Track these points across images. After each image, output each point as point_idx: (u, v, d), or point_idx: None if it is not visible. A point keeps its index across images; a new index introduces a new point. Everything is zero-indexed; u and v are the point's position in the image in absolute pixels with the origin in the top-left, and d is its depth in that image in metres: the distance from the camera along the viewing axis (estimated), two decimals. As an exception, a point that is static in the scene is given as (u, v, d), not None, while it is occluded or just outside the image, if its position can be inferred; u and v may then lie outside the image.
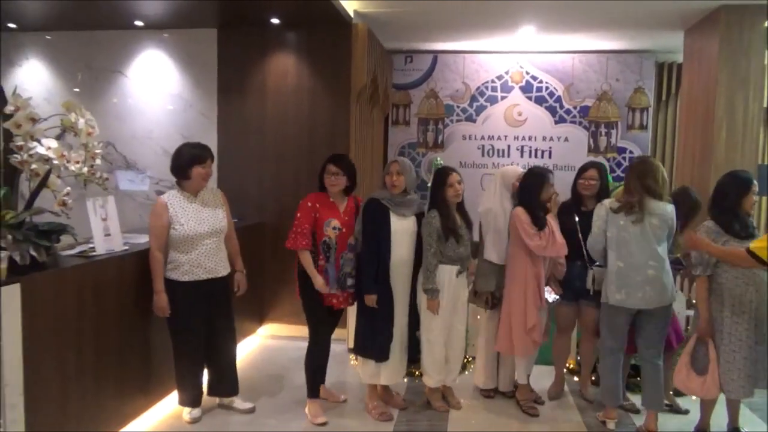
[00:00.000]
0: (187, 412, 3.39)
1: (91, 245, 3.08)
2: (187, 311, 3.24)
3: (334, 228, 3.38)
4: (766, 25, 4.40)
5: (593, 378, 3.96)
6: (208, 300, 3.31)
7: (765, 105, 4.62)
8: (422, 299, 3.41)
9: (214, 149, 4.87)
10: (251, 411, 3.54)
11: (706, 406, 3.28)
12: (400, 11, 4.83)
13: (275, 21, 4.79)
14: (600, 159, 6.10)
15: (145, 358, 3.30)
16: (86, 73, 5.30)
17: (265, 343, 4.89)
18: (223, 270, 3.37)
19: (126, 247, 3.18)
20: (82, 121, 2.81)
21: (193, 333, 3.30)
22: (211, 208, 3.34)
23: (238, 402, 3.57)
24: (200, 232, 3.23)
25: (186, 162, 3.28)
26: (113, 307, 3.00)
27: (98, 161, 2.91)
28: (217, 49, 5.06)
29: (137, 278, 3.17)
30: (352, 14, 4.74)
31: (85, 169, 2.79)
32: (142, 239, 3.48)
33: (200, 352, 3.37)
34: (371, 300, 3.32)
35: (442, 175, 3.44)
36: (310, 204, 3.37)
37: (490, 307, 3.68)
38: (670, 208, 3.23)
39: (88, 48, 5.31)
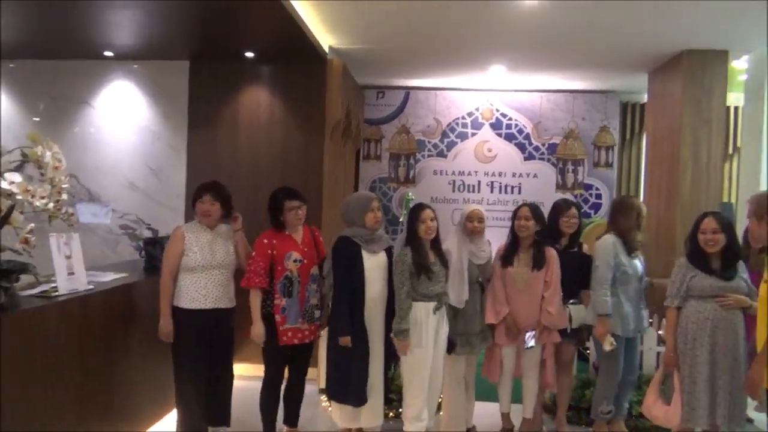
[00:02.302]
0: None
1: (53, 285, 2.91)
2: (192, 339, 3.21)
3: (295, 261, 3.34)
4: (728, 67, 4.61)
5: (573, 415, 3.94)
6: (212, 329, 3.28)
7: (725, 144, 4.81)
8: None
9: (183, 183, 4.84)
10: None
11: None
12: (374, 48, 4.88)
13: (249, 54, 4.76)
14: (568, 195, 6.21)
15: (109, 400, 3.11)
16: (50, 103, 5.14)
17: (235, 384, 4.69)
18: (229, 303, 3.37)
19: (91, 287, 3.02)
20: (48, 154, 2.68)
21: (196, 360, 3.24)
22: (223, 241, 3.36)
23: None
24: (211, 263, 3.26)
25: (193, 198, 3.37)
26: (76, 350, 2.83)
27: (64, 196, 2.78)
28: (189, 82, 5.00)
29: (103, 319, 3.02)
30: (327, 50, 4.76)
31: (51, 205, 2.66)
32: (107, 277, 3.34)
33: (203, 379, 3.29)
34: (346, 341, 3.23)
35: (417, 211, 3.41)
36: (266, 241, 3.34)
37: (447, 352, 3.51)
38: None
39: (53, 77, 5.16)
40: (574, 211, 3.68)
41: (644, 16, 3.96)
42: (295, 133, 4.87)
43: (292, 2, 3.72)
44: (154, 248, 3.90)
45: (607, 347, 3.51)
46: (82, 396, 2.89)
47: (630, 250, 3.60)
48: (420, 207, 3.42)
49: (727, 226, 3.14)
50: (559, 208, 3.70)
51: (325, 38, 4.62)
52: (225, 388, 3.47)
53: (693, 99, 4.61)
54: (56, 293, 2.83)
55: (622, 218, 3.62)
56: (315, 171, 4.84)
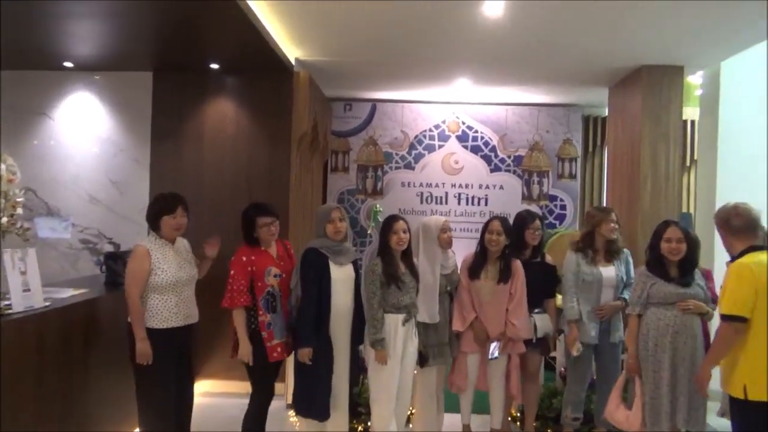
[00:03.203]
0: None
1: (7, 302, 2.80)
2: (162, 359, 3.08)
3: (275, 276, 3.30)
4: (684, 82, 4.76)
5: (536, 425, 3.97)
6: (180, 346, 3.18)
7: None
8: (369, 352, 3.31)
9: (146, 197, 4.72)
10: None
11: None
12: (341, 60, 4.89)
13: (214, 66, 4.71)
14: (533, 207, 6.30)
15: (66, 422, 3.00)
16: (8, 115, 4.96)
17: (198, 402, 4.58)
18: (196, 317, 3.30)
19: (47, 303, 2.93)
20: (3, 167, 2.60)
21: (165, 380, 3.12)
22: (185, 254, 3.30)
23: None
24: (181, 279, 3.16)
25: (155, 212, 3.17)
26: (32, 369, 2.73)
27: (19, 210, 2.69)
28: (152, 93, 4.91)
29: (60, 337, 2.92)
30: (293, 62, 4.75)
31: (5, 219, 2.58)
32: (65, 293, 3.24)
33: (171, 399, 3.16)
34: (304, 355, 3.18)
35: (390, 221, 3.42)
36: (244, 258, 3.27)
37: (420, 365, 3.52)
38: None
39: (11, 88, 4.99)
40: (538, 223, 3.75)
41: (604, 32, 4.06)
42: (261, 145, 4.84)
43: (257, 14, 3.70)
44: (115, 263, 3.81)
45: (574, 352, 3.61)
46: (37, 418, 2.78)
47: (598, 259, 3.69)
48: (393, 218, 3.43)
49: (688, 235, 3.25)
50: (524, 220, 3.76)
51: (292, 50, 4.61)
52: (187, 406, 3.36)
53: (651, 113, 4.74)
54: (10, 311, 2.73)
55: (583, 229, 3.79)
56: (282, 183, 4.80)
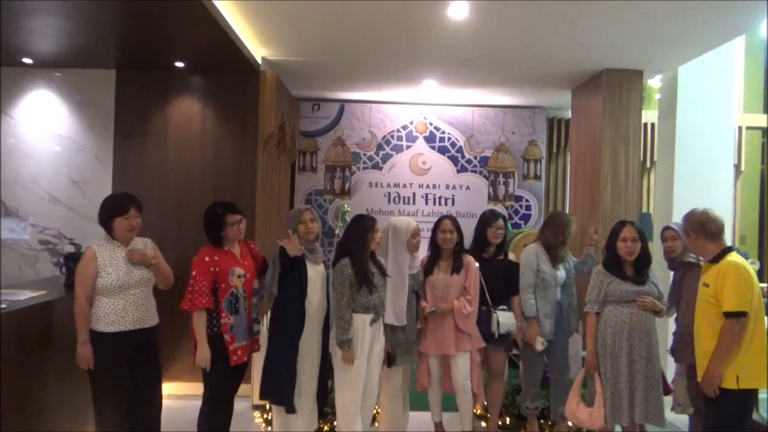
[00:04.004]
0: None
1: (-39, 304, 2.74)
2: (112, 363, 3.01)
3: (239, 276, 3.27)
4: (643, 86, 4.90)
5: (500, 422, 4.03)
6: (134, 351, 3.09)
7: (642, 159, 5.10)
8: (336, 352, 3.32)
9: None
10: None
11: None
12: (308, 60, 4.89)
13: (179, 65, 4.66)
14: (499, 206, 6.41)
15: (22, 428, 2.94)
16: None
17: (166, 404, 4.53)
18: (151, 321, 3.19)
19: (4, 306, 2.87)
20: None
21: (117, 385, 3.04)
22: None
23: None
24: (128, 282, 3.07)
25: (106, 214, 3.11)
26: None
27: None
28: (115, 91, 4.83)
29: (17, 340, 2.86)
30: (260, 61, 4.72)
31: (-42, 220, 2.51)
32: (22, 295, 3.18)
33: (124, 406, 3.09)
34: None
35: (368, 221, 3.41)
36: (207, 258, 3.22)
37: (387, 365, 3.57)
38: None
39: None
40: (501, 222, 3.85)
41: (566, 37, 4.16)
42: (227, 145, 4.80)
43: (222, 14, 3.68)
44: (75, 264, 3.71)
45: (538, 347, 3.71)
46: (-7, 423, 2.72)
47: (554, 261, 3.80)
48: (370, 218, 3.46)
49: (641, 234, 3.35)
50: (487, 219, 3.87)
51: (258, 50, 4.59)
52: (153, 412, 3.28)
53: (612, 116, 4.87)
54: (-35, 314, 2.66)
55: (549, 232, 3.89)
56: (248, 183, 4.77)
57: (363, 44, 4.46)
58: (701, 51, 4.51)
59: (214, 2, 3.52)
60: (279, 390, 3.28)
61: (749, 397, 2.90)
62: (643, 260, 3.35)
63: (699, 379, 2.95)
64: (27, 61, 4.65)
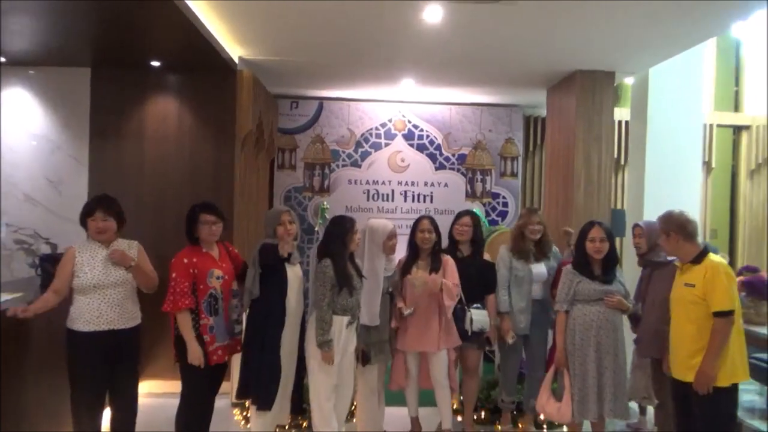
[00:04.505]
0: None
1: (-66, 308, 2.73)
2: (88, 362, 3.04)
3: (217, 278, 3.30)
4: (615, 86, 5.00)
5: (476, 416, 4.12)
6: (111, 351, 3.10)
7: (615, 157, 5.21)
8: (313, 352, 3.34)
9: (84, 195, 4.61)
10: None
11: (572, 430, 3.61)
12: (285, 59, 4.90)
13: (155, 63, 4.64)
14: (476, 204, 6.49)
15: (-2, 431, 2.95)
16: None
17: (141, 402, 4.54)
18: (130, 322, 3.18)
19: (-21, 309, 2.86)
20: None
21: (93, 386, 3.08)
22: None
23: None
24: (104, 282, 3.08)
25: (81, 215, 3.16)
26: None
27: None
28: (91, 90, 4.79)
29: (-9, 342, 2.85)
30: (237, 60, 4.73)
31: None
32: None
33: (99, 405, 3.13)
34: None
35: (347, 223, 3.42)
36: (186, 260, 3.24)
37: (362, 364, 3.63)
38: None
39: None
40: (466, 219, 3.91)
41: (540, 38, 4.23)
42: (205, 144, 4.80)
43: (197, 13, 3.67)
44: (52, 265, 3.69)
45: (509, 340, 3.83)
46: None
47: (526, 257, 3.88)
48: (350, 218, 3.46)
49: (609, 234, 3.45)
50: (456, 216, 3.97)
51: (235, 49, 4.59)
52: (126, 414, 3.29)
53: (585, 115, 4.96)
54: (-63, 317, 2.66)
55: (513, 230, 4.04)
56: (226, 182, 4.79)
57: (340, 44, 4.49)
58: (672, 54, 4.62)
59: (189, 3, 3.52)
60: (259, 388, 3.31)
61: (736, 392, 2.97)
62: (611, 259, 3.44)
63: (675, 376, 3.04)
64: (0, 59, 4.60)
